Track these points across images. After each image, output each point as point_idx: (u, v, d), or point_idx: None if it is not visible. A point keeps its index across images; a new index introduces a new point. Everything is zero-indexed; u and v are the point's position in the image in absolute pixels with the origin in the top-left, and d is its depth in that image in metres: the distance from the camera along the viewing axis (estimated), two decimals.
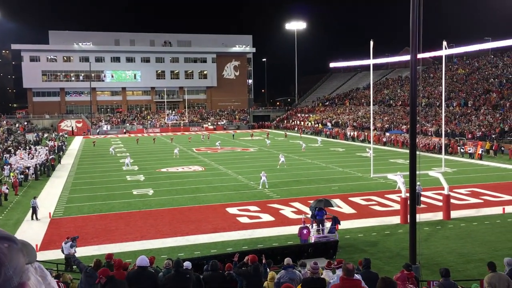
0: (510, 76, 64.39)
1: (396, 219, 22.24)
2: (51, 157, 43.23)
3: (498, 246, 18.33)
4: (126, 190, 30.68)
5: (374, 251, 17.99)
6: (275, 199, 27.22)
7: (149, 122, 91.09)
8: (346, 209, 24.54)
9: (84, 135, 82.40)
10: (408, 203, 17.51)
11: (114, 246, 19.01)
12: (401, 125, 61.76)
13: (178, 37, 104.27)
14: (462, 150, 45.60)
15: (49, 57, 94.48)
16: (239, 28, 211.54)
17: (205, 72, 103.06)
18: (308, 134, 75.18)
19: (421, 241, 16.52)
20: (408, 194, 17.90)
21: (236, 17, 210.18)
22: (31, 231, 21.46)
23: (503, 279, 7.88)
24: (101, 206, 26.32)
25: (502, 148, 44.80)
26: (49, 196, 29.76)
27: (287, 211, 24.30)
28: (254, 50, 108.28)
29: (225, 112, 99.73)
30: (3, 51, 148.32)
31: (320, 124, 78.77)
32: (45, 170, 38.85)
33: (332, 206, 19.54)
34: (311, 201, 20.97)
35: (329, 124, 76.59)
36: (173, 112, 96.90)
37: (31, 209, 23.97)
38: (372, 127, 30.87)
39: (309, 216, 19.68)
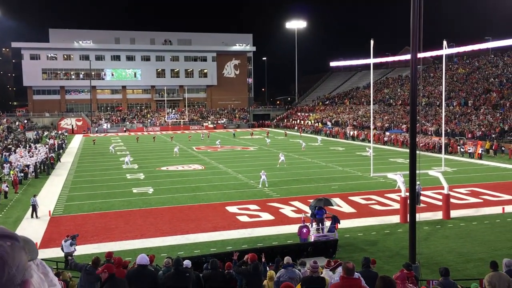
0: (510, 76, 64.37)
1: (395, 219, 22.25)
2: (51, 155, 43.24)
3: (497, 245, 18.35)
4: (126, 189, 30.70)
5: (374, 250, 18.01)
6: (275, 198, 27.23)
7: (149, 120, 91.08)
8: (346, 208, 24.55)
9: (84, 133, 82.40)
10: (408, 202, 17.51)
11: (114, 244, 19.03)
12: (401, 124, 61.75)
13: (178, 36, 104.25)
14: (462, 149, 45.61)
15: (49, 55, 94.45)
16: (239, 27, 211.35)
17: (205, 70, 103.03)
18: (308, 133, 75.19)
19: (420, 241, 16.54)
20: (408, 194, 17.91)
21: (236, 16, 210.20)
22: (31, 229, 21.47)
23: (504, 278, 7.88)
24: (101, 205, 26.33)
25: (502, 148, 44.81)
26: (49, 194, 29.78)
27: (287, 210, 24.32)
28: (254, 49, 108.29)
29: (225, 111, 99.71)
30: (3, 49, 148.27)
31: (320, 123, 78.77)
32: (45, 168, 38.86)
33: (332, 205, 19.55)
34: (311, 200, 20.99)
35: (329, 123, 76.58)
36: (173, 110, 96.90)
37: (31, 207, 23.99)
38: (372, 126, 30.87)
39: (308, 215, 19.69)
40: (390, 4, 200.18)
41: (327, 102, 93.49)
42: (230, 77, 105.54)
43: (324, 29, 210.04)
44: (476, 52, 78.62)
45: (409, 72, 19.40)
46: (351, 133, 64.91)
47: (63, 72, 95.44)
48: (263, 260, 11.49)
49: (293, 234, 19.27)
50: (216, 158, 45.40)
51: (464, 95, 63.83)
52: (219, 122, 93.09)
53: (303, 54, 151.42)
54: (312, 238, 18.21)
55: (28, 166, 36.51)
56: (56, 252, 17.54)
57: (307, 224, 18.68)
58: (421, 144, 47.71)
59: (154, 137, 67.91)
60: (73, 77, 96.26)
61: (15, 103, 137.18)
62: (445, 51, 27.15)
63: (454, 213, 22.93)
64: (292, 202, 25.90)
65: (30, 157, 41.40)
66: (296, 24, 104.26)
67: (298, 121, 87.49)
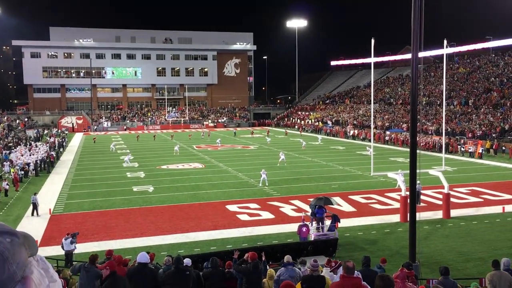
0: (511, 75, 64.34)
1: (396, 218, 22.25)
2: (51, 153, 43.25)
3: (497, 245, 18.36)
4: (126, 187, 30.70)
5: (374, 249, 18.01)
6: (275, 196, 27.24)
7: (149, 119, 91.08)
8: (346, 207, 24.56)
9: (84, 131, 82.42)
10: (408, 201, 17.52)
11: (114, 242, 19.04)
12: (401, 123, 61.73)
13: (179, 34, 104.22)
14: (462, 149, 45.60)
15: (50, 54, 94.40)
16: (240, 26, 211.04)
17: (205, 69, 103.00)
18: (309, 132, 75.17)
19: (420, 240, 16.54)
20: (408, 193, 17.91)
21: (237, 15, 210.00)
22: (31, 227, 21.47)
23: (505, 277, 7.89)
24: (101, 203, 26.34)
25: (503, 147, 44.80)
26: (49, 192, 29.80)
27: (287, 209, 24.32)
28: (255, 47, 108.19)
29: (226, 110, 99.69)
30: (4, 47, 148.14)
31: (320, 122, 78.75)
32: (45, 167, 38.88)
33: (332, 204, 19.55)
34: (311, 199, 21.00)
35: (329, 122, 76.56)
36: (174, 109, 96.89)
37: (31, 205, 24.00)
38: (372, 126, 30.86)
39: (309, 214, 19.70)
40: (391, 3, 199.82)
41: (328, 101, 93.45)
42: (230, 76, 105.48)
43: (324, 28, 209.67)
44: (476, 52, 78.59)
45: (410, 71, 19.39)
46: (352, 132, 64.89)
47: (64, 70, 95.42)
48: (263, 258, 11.49)
49: (293, 233, 19.28)
50: (217, 156, 45.40)
51: (465, 95, 63.81)
52: (219, 121, 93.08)
53: (303, 53, 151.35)
54: (312, 237, 18.21)
55: (28, 164, 36.52)
56: (56, 250, 17.55)
57: (307, 223, 18.68)
58: (421, 144, 47.70)
59: (154, 136, 67.93)
60: (73, 75, 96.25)
61: (15, 101, 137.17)
62: (446, 50, 27.14)
63: (454, 213, 22.93)
64: (292, 201, 25.90)
65: (31, 155, 41.40)
66: (296, 23, 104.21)
67: (299, 120, 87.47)
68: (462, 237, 19.54)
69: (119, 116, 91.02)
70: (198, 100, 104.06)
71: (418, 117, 21.83)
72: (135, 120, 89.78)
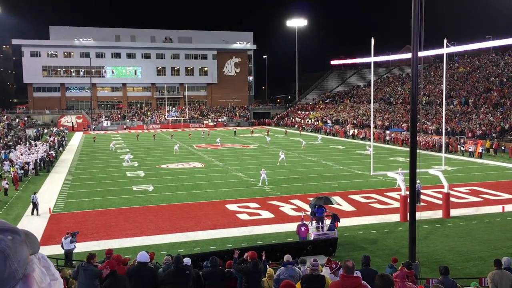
0: (511, 75, 64.34)
1: (395, 217, 22.26)
2: (51, 152, 43.25)
3: (497, 244, 18.36)
4: (126, 186, 30.70)
5: (374, 248, 18.02)
6: (275, 196, 27.24)
7: (149, 118, 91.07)
8: (346, 206, 24.56)
9: (84, 130, 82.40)
10: (408, 201, 17.52)
11: (114, 241, 19.04)
12: (401, 123, 61.74)
13: (178, 34, 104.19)
14: (462, 148, 45.61)
15: (50, 53, 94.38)
16: (240, 25, 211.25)
17: (205, 68, 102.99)
18: (308, 132, 75.16)
19: (420, 239, 16.54)
20: (408, 192, 17.92)
21: (237, 14, 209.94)
22: (31, 226, 21.45)
23: (506, 276, 7.90)
24: (101, 202, 26.34)
25: (503, 147, 44.82)
26: (49, 192, 29.79)
27: (286, 208, 24.32)
28: (255, 47, 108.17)
29: (226, 109, 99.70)
30: (4, 46, 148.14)
31: (320, 122, 78.74)
32: (45, 166, 38.88)
33: (332, 204, 19.56)
34: (311, 199, 21.00)
35: (329, 121, 76.56)
36: (174, 108, 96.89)
37: (31, 204, 23.99)
38: (372, 125, 30.84)
39: (308, 213, 19.70)
40: (390, 3, 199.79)
41: (328, 101, 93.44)
42: (230, 75, 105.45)
43: (324, 28, 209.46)
44: (476, 51, 78.53)
45: (410, 70, 19.39)
46: (351, 131, 64.89)
47: (64, 69, 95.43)
48: (263, 258, 11.49)
49: (293, 232, 19.29)
50: (216, 156, 45.40)
51: (465, 94, 63.81)
52: (219, 120, 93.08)
53: (303, 53, 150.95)
54: (312, 237, 18.22)
55: (28, 163, 36.50)
56: (56, 249, 17.54)
57: (306, 222, 18.69)
58: (421, 143, 47.70)
59: (154, 135, 67.92)
60: (73, 74, 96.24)
61: (15, 100, 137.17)
62: (446, 50, 27.13)
63: (454, 212, 22.94)
64: (292, 200, 25.91)
65: (30, 154, 41.38)
66: (296, 22, 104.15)
67: (299, 119, 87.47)
68: (462, 236, 19.54)
69: (119, 115, 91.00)
70: (198, 99, 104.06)
71: (418, 116, 21.85)
72: (135, 119, 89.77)
